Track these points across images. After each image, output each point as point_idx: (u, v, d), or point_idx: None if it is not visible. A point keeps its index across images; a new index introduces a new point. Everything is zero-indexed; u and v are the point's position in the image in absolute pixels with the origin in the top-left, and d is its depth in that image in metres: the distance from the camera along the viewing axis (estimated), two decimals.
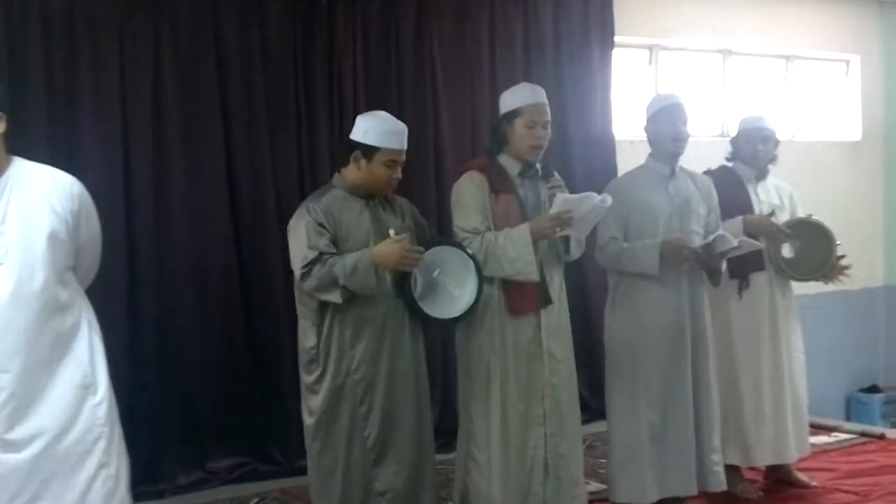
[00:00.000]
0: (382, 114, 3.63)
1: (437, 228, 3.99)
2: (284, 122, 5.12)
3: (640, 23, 6.56)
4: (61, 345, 2.82)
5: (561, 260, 3.83)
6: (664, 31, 6.75)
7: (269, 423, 5.02)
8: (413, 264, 3.38)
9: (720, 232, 4.03)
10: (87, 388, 2.83)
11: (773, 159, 4.57)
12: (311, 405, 3.51)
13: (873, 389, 7.58)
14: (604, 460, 4.48)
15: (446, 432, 4.52)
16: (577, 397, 3.87)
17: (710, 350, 4.14)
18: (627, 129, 6.32)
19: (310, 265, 3.32)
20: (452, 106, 5.64)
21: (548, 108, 3.77)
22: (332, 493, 3.47)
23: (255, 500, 4.65)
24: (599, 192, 3.69)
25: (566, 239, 3.76)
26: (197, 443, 4.89)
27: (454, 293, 3.57)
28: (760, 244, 4.20)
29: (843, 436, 5.58)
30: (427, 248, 3.47)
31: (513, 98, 3.78)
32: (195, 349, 4.89)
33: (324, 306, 3.43)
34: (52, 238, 2.77)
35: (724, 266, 4.14)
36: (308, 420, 3.53)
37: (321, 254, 3.34)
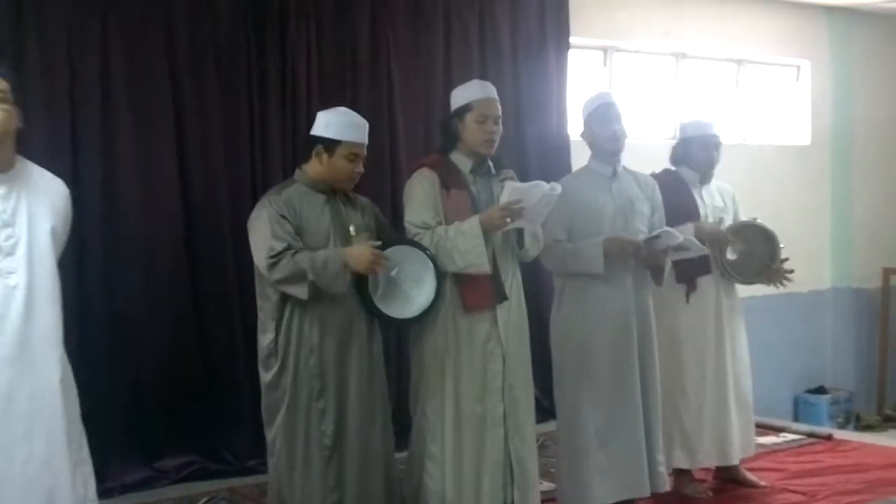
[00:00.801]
0: (343, 109, 3.65)
1: (391, 225, 3.97)
2: (237, 119, 5.07)
3: (596, 25, 6.59)
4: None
5: (515, 256, 3.82)
6: (619, 33, 6.78)
7: (218, 422, 4.96)
8: (381, 269, 3.41)
9: (665, 228, 4.05)
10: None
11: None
12: (271, 401, 3.50)
13: (820, 391, 7.68)
14: (555, 460, 4.48)
15: (400, 430, 4.49)
16: (532, 397, 3.87)
17: (655, 350, 4.15)
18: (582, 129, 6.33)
19: (277, 256, 3.33)
20: (407, 104, 5.62)
21: (498, 104, 3.77)
22: (292, 488, 3.47)
23: (205, 499, 4.59)
24: None
25: (520, 233, 3.74)
26: (145, 441, 4.82)
27: (410, 293, 3.56)
28: (705, 248, 4.23)
29: (791, 436, 5.64)
30: (387, 247, 3.47)
31: (463, 94, 3.78)
32: (145, 347, 4.82)
33: (284, 301, 3.44)
34: (53, 233, 2.94)
35: (668, 266, 4.16)
36: (267, 416, 3.52)
37: (289, 246, 3.34)
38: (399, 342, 4.94)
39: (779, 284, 4.54)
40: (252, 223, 3.50)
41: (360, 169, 3.56)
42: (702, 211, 4.47)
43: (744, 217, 4.57)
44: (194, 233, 4.96)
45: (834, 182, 8.02)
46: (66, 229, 3.04)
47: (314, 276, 3.30)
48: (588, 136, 4.18)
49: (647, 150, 5.43)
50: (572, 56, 6.36)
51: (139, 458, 4.78)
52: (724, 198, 4.59)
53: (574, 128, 6.27)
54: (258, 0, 5.13)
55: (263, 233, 3.39)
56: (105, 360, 4.68)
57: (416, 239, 3.61)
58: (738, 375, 4.55)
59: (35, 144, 4.44)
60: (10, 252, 2.85)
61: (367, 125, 3.60)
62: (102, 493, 4.41)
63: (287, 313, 3.45)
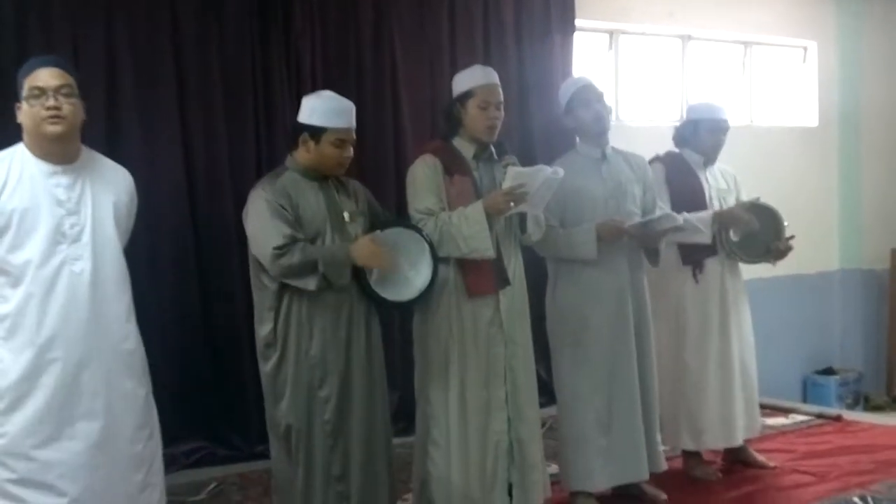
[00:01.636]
0: (327, 93, 3.55)
1: (396, 210, 3.96)
2: (241, 105, 5.07)
3: (601, 7, 6.55)
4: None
5: (518, 241, 3.82)
6: (624, 15, 6.75)
7: (227, 407, 4.98)
8: (385, 266, 3.39)
9: (666, 211, 4.04)
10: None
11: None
12: (272, 391, 3.45)
13: (829, 372, 7.67)
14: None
15: (407, 416, 4.51)
16: (535, 380, 3.87)
17: (650, 330, 4.16)
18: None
19: (283, 248, 3.26)
20: (412, 89, 5.60)
21: (500, 89, 3.76)
22: (294, 479, 3.42)
23: (214, 484, 4.61)
24: None
25: (522, 218, 3.75)
26: None
27: (408, 275, 3.53)
28: (705, 232, 4.22)
29: (800, 417, 5.65)
30: (382, 230, 3.45)
31: (465, 80, 3.77)
32: (151, 332, 4.80)
33: (282, 290, 3.37)
34: (117, 220, 3.11)
35: (663, 247, 4.16)
36: (269, 407, 3.47)
37: (293, 237, 3.29)
38: (403, 328, 4.94)
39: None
40: (249, 213, 3.42)
41: (349, 153, 3.48)
42: (706, 193, 4.46)
43: (745, 198, 4.55)
44: (199, 221, 4.96)
45: (842, 163, 7.97)
46: (132, 216, 3.22)
47: (324, 269, 3.28)
48: (572, 121, 4.15)
49: (652, 133, 5.42)
50: (578, 39, 6.34)
51: None
52: (726, 180, 4.59)
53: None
54: None
55: (264, 224, 3.32)
56: None
57: (420, 225, 3.60)
58: (744, 356, 4.56)
59: None
60: (76, 239, 3.00)
61: (353, 108, 3.49)
62: None
63: (285, 302, 3.38)
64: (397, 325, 4.98)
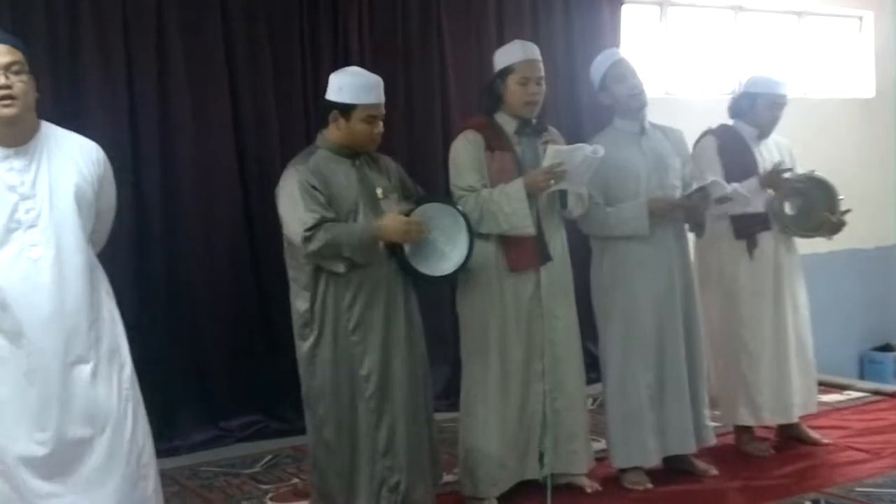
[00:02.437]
0: (354, 69, 3.55)
1: (445, 185, 3.95)
2: (290, 76, 5.09)
3: None
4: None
5: (560, 217, 3.82)
6: None
7: (280, 382, 5.00)
8: (419, 238, 3.38)
9: (714, 178, 4.00)
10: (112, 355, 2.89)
11: None
12: (310, 371, 3.43)
13: (886, 348, 7.57)
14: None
15: (458, 391, 4.51)
16: (578, 355, 3.88)
17: (697, 303, 4.14)
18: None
19: (312, 230, 3.24)
20: (459, 62, 5.58)
21: (540, 65, 3.76)
22: (340, 462, 3.41)
23: (269, 457, 4.68)
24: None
25: (563, 194, 3.74)
26: (210, 401, 4.92)
27: (445, 250, 3.53)
28: (752, 199, 4.19)
29: (855, 394, 5.56)
30: (417, 206, 3.45)
31: (505, 56, 3.78)
32: (205, 306, 4.91)
33: (319, 269, 3.36)
34: (79, 201, 2.84)
35: (707, 219, 4.13)
36: (307, 387, 3.47)
37: (322, 218, 3.27)
38: (454, 303, 4.95)
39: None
40: (281, 193, 3.37)
41: (380, 129, 3.44)
42: (761, 167, 4.40)
43: (801, 171, 4.48)
44: (249, 192, 4.99)
45: None
46: (102, 196, 2.94)
47: (350, 253, 3.27)
48: (608, 97, 4.09)
49: (703, 106, 5.35)
50: (626, 11, 6.27)
51: (204, 417, 4.89)
52: (781, 152, 4.50)
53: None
54: None
55: (295, 205, 3.29)
56: (167, 321, 4.79)
57: (461, 202, 3.61)
58: (800, 332, 4.50)
59: (93, 105, 4.57)
60: (32, 224, 2.77)
61: (381, 83, 3.45)
62: (169, 451, 4.59)
63: (322, 281, 3.35)
64: (448, 299, 4.98)
